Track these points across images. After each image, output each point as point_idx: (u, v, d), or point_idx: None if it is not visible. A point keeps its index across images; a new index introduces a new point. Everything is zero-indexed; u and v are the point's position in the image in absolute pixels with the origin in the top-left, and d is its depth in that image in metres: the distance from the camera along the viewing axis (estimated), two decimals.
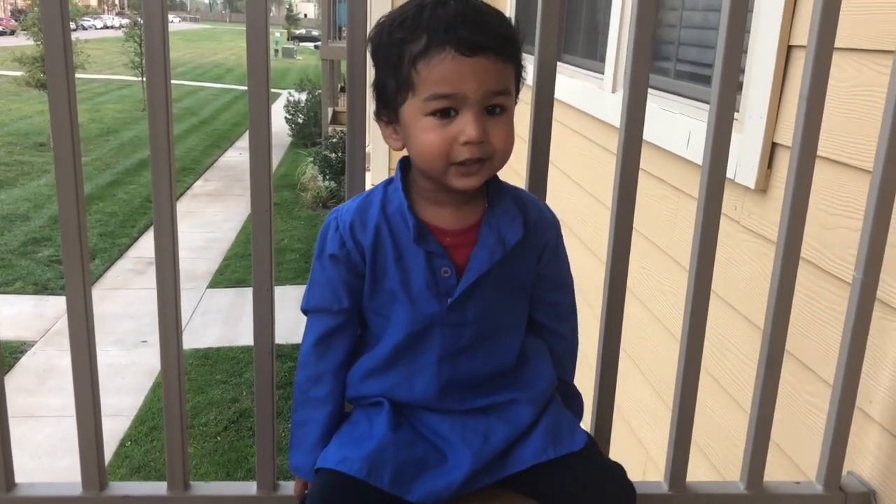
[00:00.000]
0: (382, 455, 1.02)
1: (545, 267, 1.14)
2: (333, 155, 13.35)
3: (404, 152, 1.08)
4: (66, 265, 1.21)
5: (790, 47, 1.71)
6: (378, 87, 1.03)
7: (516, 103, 1.07)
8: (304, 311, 1.12)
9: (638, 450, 2.53)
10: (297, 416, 1.13)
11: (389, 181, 1.09)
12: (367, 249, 1.05)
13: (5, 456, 1.29)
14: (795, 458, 1.64)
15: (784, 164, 1.71)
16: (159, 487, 1.34)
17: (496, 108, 0.99)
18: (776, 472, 1.55)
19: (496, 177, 1.09)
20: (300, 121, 18.21)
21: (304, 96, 18.41)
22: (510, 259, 1.08)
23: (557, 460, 1.06)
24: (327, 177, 13.44)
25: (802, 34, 1.66)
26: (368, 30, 1.15)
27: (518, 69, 1.04)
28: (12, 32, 44.29)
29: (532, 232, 1.10)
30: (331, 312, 1.09)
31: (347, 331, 1.11)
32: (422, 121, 0.98)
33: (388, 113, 1.03)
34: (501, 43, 0.97)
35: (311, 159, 14.14)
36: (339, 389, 1.12)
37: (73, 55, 1.14)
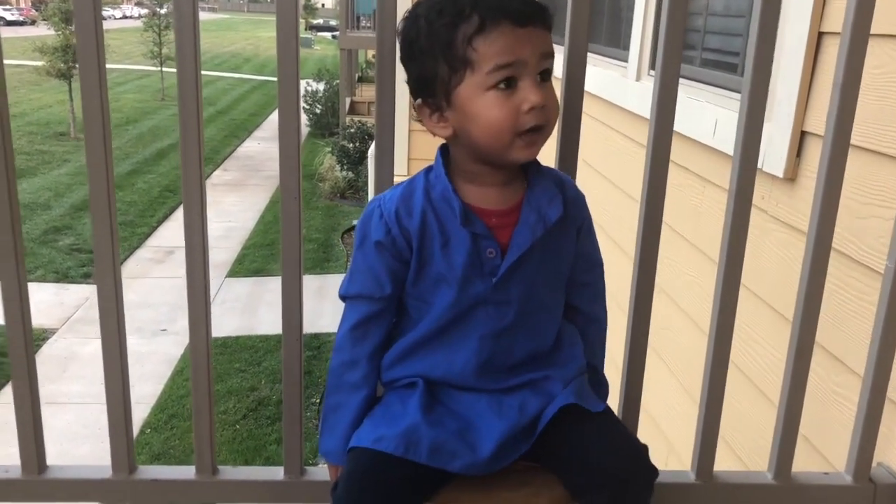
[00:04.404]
0: (418, 431, 1.04)
1: (582, 245, 1.16)
2: (351, 145, 13.36)
3: (440, 140, 1.08)
4: (96, 247, 1.22)
5: (821, 34, 1.69)
6: (421, 77, 1.03)
7: None
8: (344, 297, 1.13)
9: (660, 441, 2.52)
10: (330, 400, 1.15)
11: (429, 169, 1.10)
12: (413, 235, 1.06)
13: (37, 438, 1.32)
14: (823, 449, 1.63)
15: (813, 153, 1.69)
16: (187, 472, 1.35)
17: (546, 73, 1.02)
18: (803, 463, 1.54)
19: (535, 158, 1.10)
20: (318, 111, 18.22)
21: (321, 86, 18.42)
22: (552, 237, 1.09)
23: (578, 419, 1.07)
24: (345, 167, 13.45)
25: (833, 21, 1.64)
26: (398, 19, 1.15)
27: None
28: (33, 22, 44.61)
29: (570, 209, 1.12)
30: (372, 299, 1.11)
31: (385, 318, 1.13)
32: (483, 96, 1.00)
33: (436, 101, 1.04)
34: (544, 12, 1.02)
35: (329, 149, 14.16)
36: (374, 375, 1.14)
37: (104, 44, 1.15)
